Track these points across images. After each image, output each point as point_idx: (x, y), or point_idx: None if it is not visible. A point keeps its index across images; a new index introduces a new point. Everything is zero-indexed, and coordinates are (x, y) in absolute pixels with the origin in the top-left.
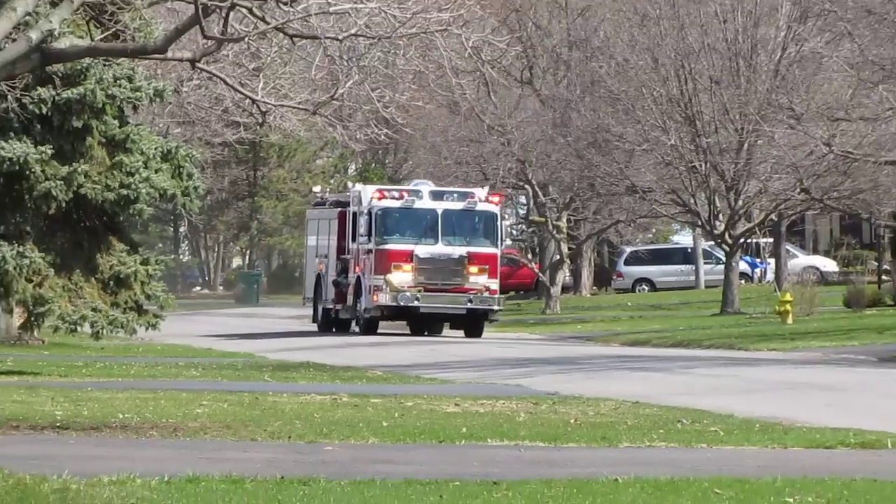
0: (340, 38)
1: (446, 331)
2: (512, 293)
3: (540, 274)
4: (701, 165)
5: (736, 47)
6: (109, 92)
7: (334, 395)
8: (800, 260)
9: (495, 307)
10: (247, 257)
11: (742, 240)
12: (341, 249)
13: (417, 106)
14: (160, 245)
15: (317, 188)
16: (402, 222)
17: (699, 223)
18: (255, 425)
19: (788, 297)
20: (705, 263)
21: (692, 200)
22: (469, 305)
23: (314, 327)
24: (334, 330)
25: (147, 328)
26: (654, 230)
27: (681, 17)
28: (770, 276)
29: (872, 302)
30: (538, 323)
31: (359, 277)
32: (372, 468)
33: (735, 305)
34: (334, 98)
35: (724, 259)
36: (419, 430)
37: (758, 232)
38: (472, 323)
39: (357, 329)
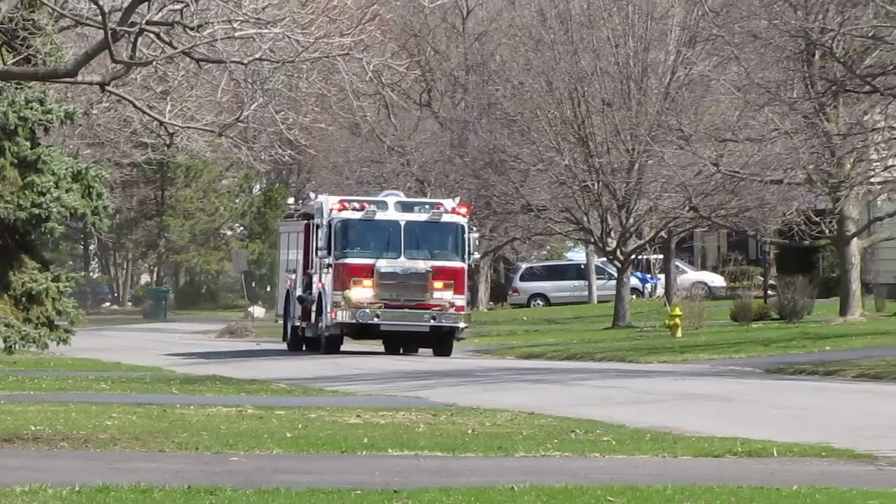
0: (245, 62)
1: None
2: None
3: None
4: (593, 185)
5: (627, 71)
6: (21, 114)
7: (240, 407)
8: (688, 275)
9: (461, 324)
10: (155, 274)
11: (633, 256)
12: (307, 264)
13: (320, 127)
14: (71, 262)
15: (290, 200)
16: (364, 235)
17: (592, 240)
18: (163, 437)
19: (678, 311)
20: (598, 279)
21: (585, 218)
22: (432, 323)
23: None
24: (304, 349)
25: (58, 343)
26: (548, 247)
27: (574, 41)
28: (660, 291)
29: (758, 316)
30: None
31: (320, 293)
32: (276, 478)
33: (626, 319)
34: (240, 120)
35: (615, 275)
36: (322, 440)
37: (648, 248)
38: (439, 341)
39: (322, 345)
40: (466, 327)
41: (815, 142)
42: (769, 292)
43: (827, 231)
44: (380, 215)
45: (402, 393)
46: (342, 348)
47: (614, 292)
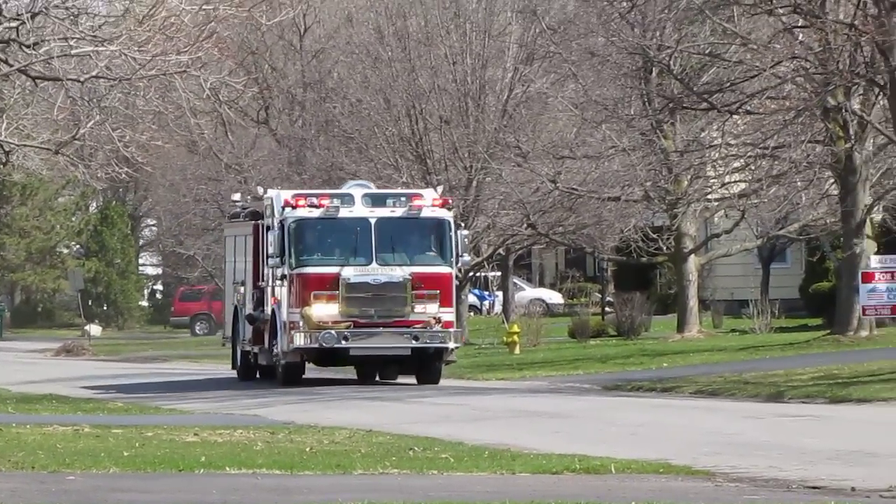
0: (82, 79)
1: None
2: None
3: (276, 308)
4: None
5: (465, 88)
6: None
7: (76, 426)
8: (527, 292)
9: (450, 344)
10: None
11: (471, 273)
12: (258, 275)
13: (157, 145)
14: None
15: (236, 196)
16: (325, 237)
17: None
18: None
19: (516, 328)
20: None
21: None
22: (413, 344)
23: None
24: (258, 377)
25: None
26: None
27: (412, 59)
28: (498, 307)
29: (596, 332)
30: None
31: (274, 311)
32: (113, 496)
33: (465, 337)
34: (76, 138)
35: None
36: (159, 459)
37: (486, 266)
38: (423, 366)
39: (279, 375)
40: (457, 347)
41: (652, 159)
42: (607, 309)
43: (664, 248)
44: (344, 212)
45: (240, 411)
46: (306, 376)
47: None
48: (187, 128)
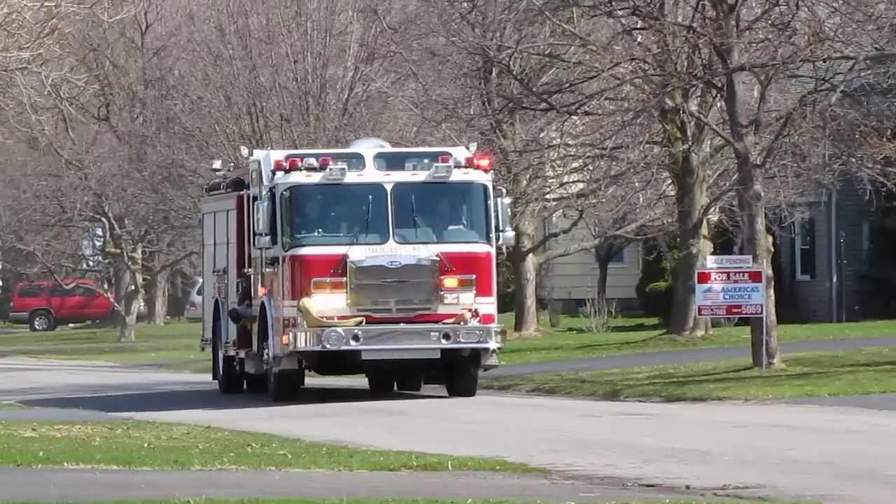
0: None
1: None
2: (88, 322)
3: (115, 303)
4: None
5: (306, 87)
6: None
7: None
8: None
9: (491, 343)
10: None
11: None
12: (242, 259)
13: None
14: None
15: (216, 163)
16: (328, 209)
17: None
18: None
19: None
20: None
21: None
22: (444, 344)
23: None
24: (245, 388)
25: None
26: None
27: (253, 57)
28: None
29: None
30: (114, 351)
31: (264, 305)
32: None
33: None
34: None
35: None
36: None
37: None
38: (456, 373)
39: (271, 387)
40: (500, 348)
41: (491, 158)
42: None
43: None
44: (352, 176)
45: (78, 407)
46: (306, 384)
47: None
48: (27, 124)
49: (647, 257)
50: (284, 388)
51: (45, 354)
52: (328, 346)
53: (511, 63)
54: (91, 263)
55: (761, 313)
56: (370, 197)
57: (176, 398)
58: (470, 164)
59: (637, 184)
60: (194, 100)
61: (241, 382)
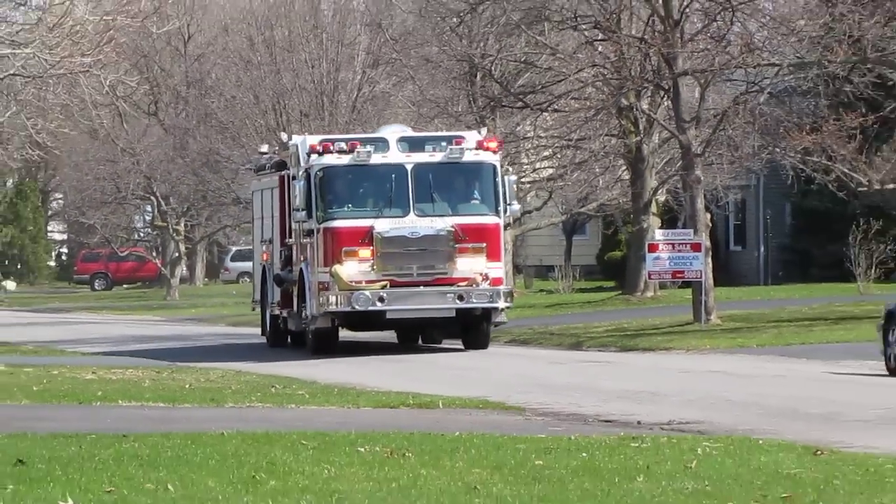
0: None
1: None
2: (139, 283)
3: (162, 268)
4: None
5: (321, 88)
6: None
7: None
8: None
9: (500, 303)
10: None
11: None
12: (285, 231)
13: (64, 132)
14: None
15: (263, 147)
16: (356, 186)
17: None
18: None
19: None
20: None
21: None
22: (459, 305)
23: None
24: (289, 343)
25: None
26: None
27: (277, 63)
28: None
29: None
30: (161, 307)
31: (302, 271)
32: (25, 424)
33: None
34: None
35: None
36: (63, 393)
37: None
38: (470, 329)
39: (310, 343)
40: (508, 307)
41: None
42: None
43: None
44: (377, 158)
45: (131, 353)
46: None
47: None
48: (89, 118)
49: (606, 231)
50: (321, 343)
51: (104, 310)
52: (357, 306)
53: (492, 68)
54: (142, 234)
55: (701, 278)
56: (393, 176)
57: (231, 351)
58: (480, 146)
59: (597, 169)
60: (228, 98)
61: (286, 338)
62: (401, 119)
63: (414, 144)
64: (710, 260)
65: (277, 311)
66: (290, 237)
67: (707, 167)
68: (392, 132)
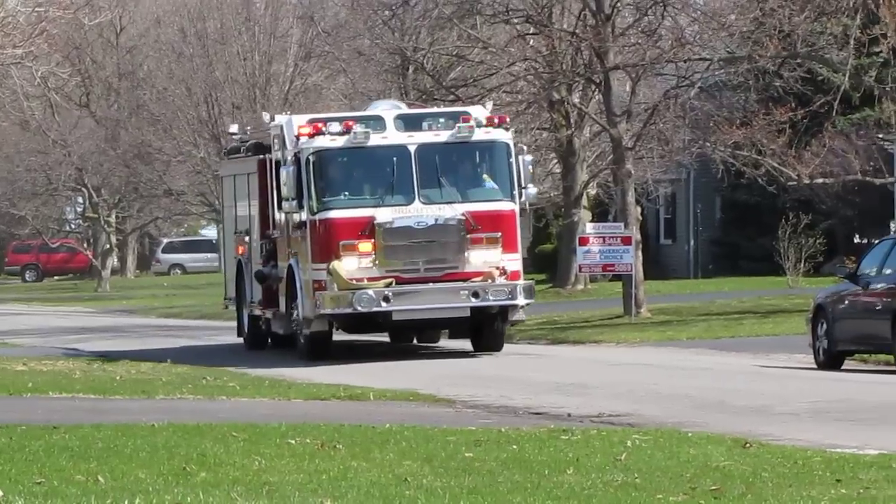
0: None
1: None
2: (70, 275)
3: (93, 259)
4: None
5: (254, 80)
6: None
7: None
8: None
9: (520, 300)
10: None
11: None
12: (267, 222)
13: None
14: None
15: (233, 127)
16: (353, 172)
17: (222, 220)
18: None
19: None
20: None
21: (217, 201)
22: (474, 302)
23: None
24: (270, 344)
25: None
26: (186, 225)
27: (210, 55)
28: None
29: None
30: (92, 299)
31: (291, 268)
32: None
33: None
34: None
35: None
36: None
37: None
38: (483, 328)
39: (301, 347)
40: (530, 304)
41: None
42: None
43: None
44: (376, 139)
45: (62, 345)
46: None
47: None
48: (20, 110)
49: (537, 224)
50: (316, 348)
51: (34, 301)
52: (359, 307)
53: (425, 62)
54: (73, 226)
55: (631, 271)
56: (395, 159)
57: (210, 354)
58: (491, 122)
59: None
60: (160, 90)
61: (266, 340)
62: (333, 112)
63: (413, 122)
64: (640, 253)
65: (258, 312)
66: (273, 229)
67: (638, 161)
68: (388, 109)
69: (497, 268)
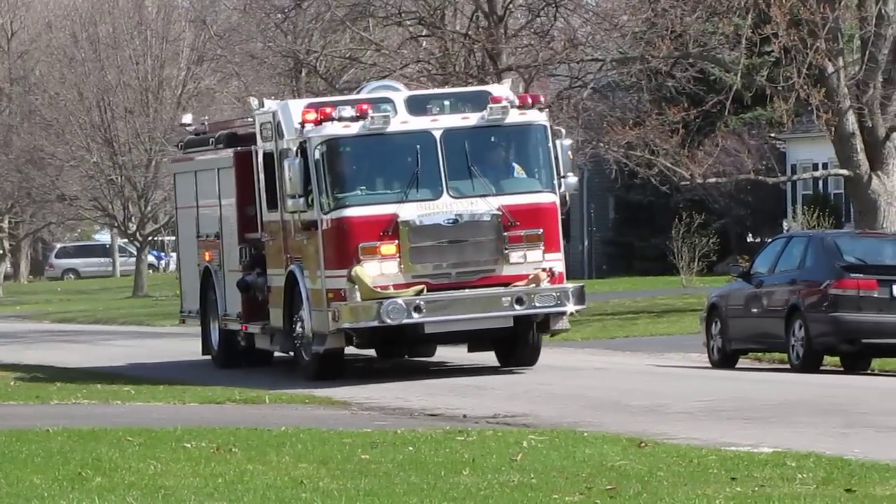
0: None
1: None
2: None
3: None
4: (117, 179)
5: (146, 84)
6: None
7: None
8: None
9: (569, 306)
10: None
11: (150, 237)
12: (247, 223)
13: None
14: None
15: (187, 118)
16: (369, 163)
17: (116, 224)
18: None
19: None
20: (121, 256)
21: (110, 206)
22: (517, 311)
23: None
24: (245, 364)
25: None
26: (79, 230)
27: (102, 59)
28: (173, 265)
29: None
30: None
31: (293, 274)
32: None
33: (144, 290)
34: None
35: (135, 253)
36: None
37: (163, 231)
38: (516, 340)
39: (306, 366)
40: (581, 310)
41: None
42: None
43: None
44: (394, 125)
45: None
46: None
47: (134, 267)
48: None
49: None
50: (329, 367)
51: None
52: (388, 320)
53: (318, 64)
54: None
55: None
56: (418, 147)
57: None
58: (525, 103)
59: None
60: (52, 95)
61: (240, 358)
62: (226, 115)
63: (431, 104)
64: None
65: (236, 326)
66: (261, 231)
67: None
68: (395, 91)
69: (545, 270)
